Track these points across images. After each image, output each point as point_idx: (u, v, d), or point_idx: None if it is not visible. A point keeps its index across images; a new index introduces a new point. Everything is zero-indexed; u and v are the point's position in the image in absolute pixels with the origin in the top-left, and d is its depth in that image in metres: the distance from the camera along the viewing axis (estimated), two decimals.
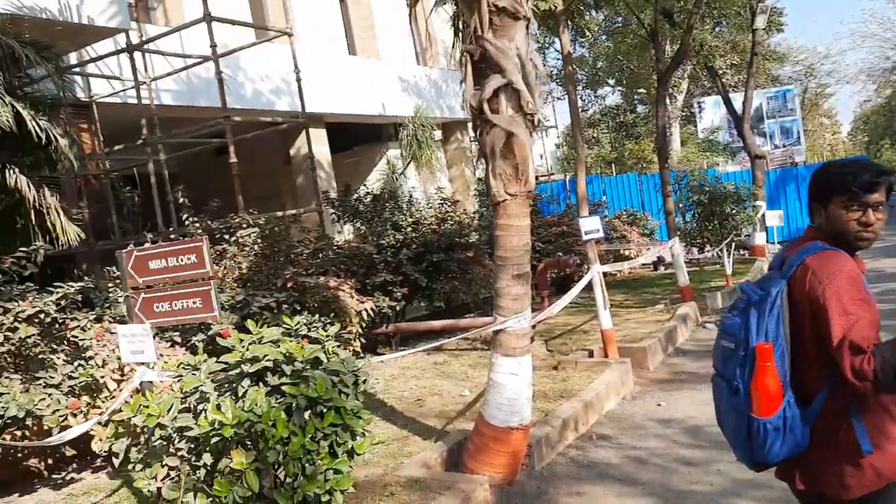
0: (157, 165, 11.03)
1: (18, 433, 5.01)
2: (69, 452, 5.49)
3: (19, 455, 5.17)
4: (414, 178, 16.97)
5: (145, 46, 10.34)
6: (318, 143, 14.61)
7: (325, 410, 3.10)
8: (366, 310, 7.42)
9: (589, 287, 7.24)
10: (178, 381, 3.52)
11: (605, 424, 5.81)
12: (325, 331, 3.57)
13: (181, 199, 8.73)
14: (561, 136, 34.00)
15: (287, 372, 3.12)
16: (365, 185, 13.69)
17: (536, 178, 23.85)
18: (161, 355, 6.02)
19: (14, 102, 6.73)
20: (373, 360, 6.39)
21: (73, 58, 9.96)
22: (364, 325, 7.51)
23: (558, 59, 30.46)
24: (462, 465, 4.62)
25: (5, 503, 5.02)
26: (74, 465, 5.48)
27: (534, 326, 7.49)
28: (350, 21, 17.76)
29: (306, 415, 3.10)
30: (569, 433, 5.44)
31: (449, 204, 10.66)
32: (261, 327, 3.57)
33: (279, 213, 9.44)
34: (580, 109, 34.52)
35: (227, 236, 7.56)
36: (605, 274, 7.52)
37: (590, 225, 7.20)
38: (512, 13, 4.27)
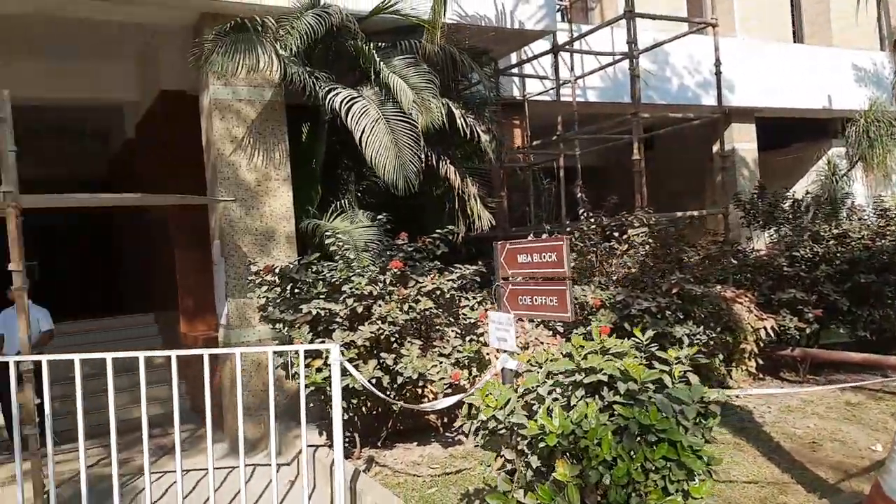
0: (571, 160, 11.52)
1: (417, 391, 5.75)
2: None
3: (421, 410, 5.92)
4: (861, 181, 14.56)
5: (573, 45, 10.79)
6: (744, 140, 13.59)
7: (657, 441, 2.81)
8: (765, 328, 6.64)
9: None
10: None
11: None
12: (681, 349, 3.23)
13: (579, 194, 8.91)
14: None
15: (621, 390, 2.90)
16: (786, 187, 12.19)
17: None
18: (542, 343, 6.29)
19: (450, 102, 7.67)
20: (770, 390, 5.67)
21: (513, 58, 10.94)
22: (761, 343, 6.72)
23: None
24: None
25: (404, 448, 5.82)
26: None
27: None
28: (801, 6, 15.99)
29: (637, 441, 2.85)
30: None
31: (893, 214, 8.82)
32: (641, 331, 3.45)
33: (678, 214, 8.97)
34: None
35: (616, 234, 7.47)
36: None
37: None
38: None
